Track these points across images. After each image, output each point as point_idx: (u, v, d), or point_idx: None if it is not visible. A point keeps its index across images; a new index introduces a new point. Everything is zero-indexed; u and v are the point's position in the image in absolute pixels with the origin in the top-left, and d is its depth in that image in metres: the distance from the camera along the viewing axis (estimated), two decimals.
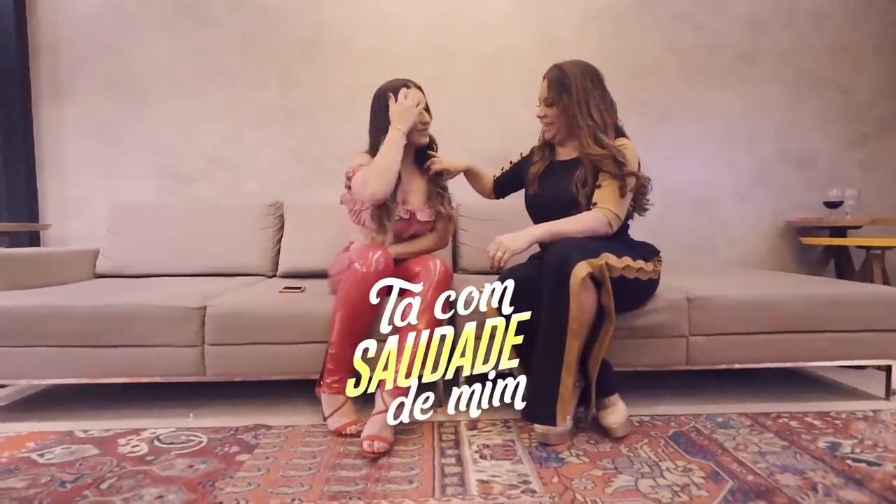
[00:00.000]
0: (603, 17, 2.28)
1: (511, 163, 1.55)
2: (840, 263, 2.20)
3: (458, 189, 2.15)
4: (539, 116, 1.38)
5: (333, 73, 2.23)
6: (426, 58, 2.24)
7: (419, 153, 1.52)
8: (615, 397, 1.24)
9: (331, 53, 2.22)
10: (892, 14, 2.34)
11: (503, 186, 1.57)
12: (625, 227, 1.38)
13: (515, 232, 1.25)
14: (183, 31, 2.17)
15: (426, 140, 1.47)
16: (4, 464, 1.08)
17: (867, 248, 1.97)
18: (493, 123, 2.27)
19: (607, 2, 2.27)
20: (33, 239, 2.12)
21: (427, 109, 1.47)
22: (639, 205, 1.36)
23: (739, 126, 2.33)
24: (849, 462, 1.08)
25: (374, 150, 1.43)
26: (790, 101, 2.34)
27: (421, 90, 1.45)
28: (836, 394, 1.55)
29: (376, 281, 1.25)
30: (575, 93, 1.28)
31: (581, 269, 1.11)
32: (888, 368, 1.49)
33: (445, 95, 2.28)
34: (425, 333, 1.24)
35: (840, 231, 2.17)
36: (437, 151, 1.53)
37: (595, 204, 1.26)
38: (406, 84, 1.42)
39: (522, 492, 0.96)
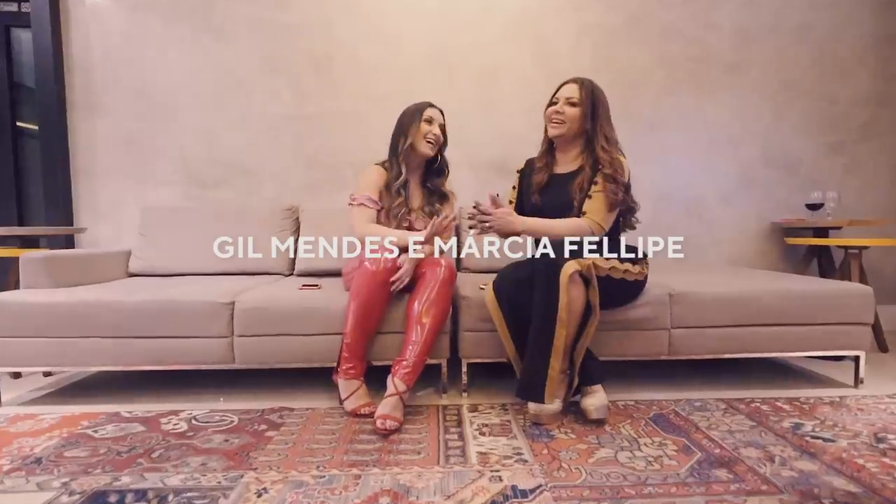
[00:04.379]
0: (596, 32, 2.42)
1: (514, 188, 1.66)
2: (822, 262, 2.32)
3: (461, 191, 2.31)
4: (557, 112, 1.48)
5: (343, 86, 2.38)
6: (429, 71, 2.39)
7: (427, 169, 1.67)
8: (598, 387, 1.37)
9: (341, 67, 2.37)
10: (872, 26, 2.46)
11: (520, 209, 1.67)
12: (617, 233, 1.53)
13: (512, 217, 1.41)
14: (205, 47, 2.33)
15: (431, 152, 1.61)
16: (66, 438, 1.24)
17: (846, 248, 2.09)
18: (491, 131, 2.41)
19: (600, 17, 2.41)
20: (68, 241, 2.29)
21: (443, 130, 1.64)
22: (627, 223, 1.52)
23: (725, 133, 2.46)
24: (807, 439, 1.22)
25: (389, 161, 1.63)
26: (774, 109, 2.47)
27: (441, 112, 1.64)
28: (808, 382, 1.68)
29: (385, 278, 1.41)
30: (603, 106, 1.46)
31: (570, 267, 1.26)
32: (856, 359, 1.62)
33: (446, 105, 2.39)
34: (431, 327, 1.40)
35: (822, 231, 2.30)
36: (447, 175, 1.70)
37: (584, 213, 1.41)
38: (431, 105, 1.61)
39: (516, 461, 1.11)
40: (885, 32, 2.46)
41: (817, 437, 1.23)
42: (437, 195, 1.67)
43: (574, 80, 1.49)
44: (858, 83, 2.47)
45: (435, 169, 1.68)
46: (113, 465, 1.10)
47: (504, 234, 1.42)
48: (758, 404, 1.46)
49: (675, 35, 2.43)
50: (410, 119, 1.59)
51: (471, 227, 1.43)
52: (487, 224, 1.39)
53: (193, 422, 1.35)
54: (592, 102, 1.45)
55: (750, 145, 2.47)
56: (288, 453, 1.15)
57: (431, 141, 1.59)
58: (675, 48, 2.43)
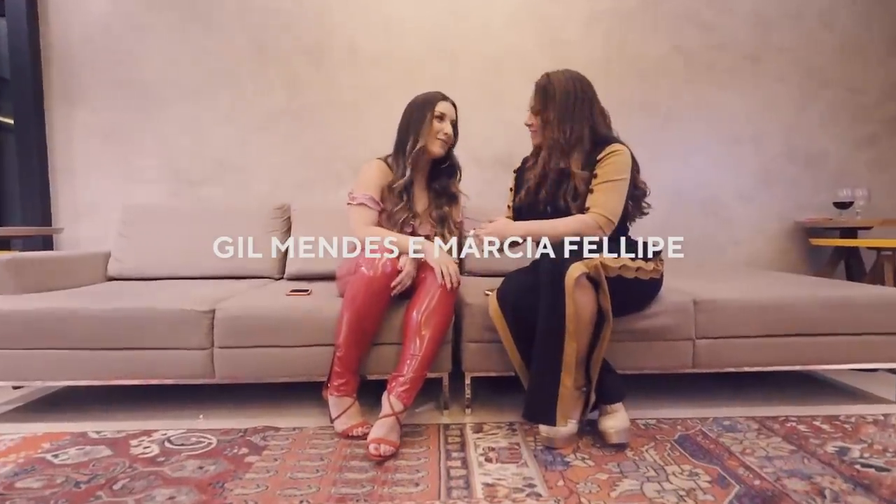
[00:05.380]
0: (608, 18, 2.27)
1: (511, 189, 1.53)
2: (850, 265, 2.17)
3: (465, 188, 2.16)
4: (526, 124, 1.40)
5: (339, 77, 2.24)
6: (431, 60, 2.25)
7: (434, 168, 1.52)
8: (618, 406, 1.23)
9: (337, 57, 2.23)
10: None
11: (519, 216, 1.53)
12: (625, 227, 1.39)
13: (505, 222, 1.35)
14: (192, 36, 2.20)
15: (441, 152, 1.45)
16: (21, 464, 1.11)
17: (878, 250, 1.95)
18: (496, 124, 2.27)
19: (612, 2, 2.27)
20: (46, 242, 2.16)
21: (455, 126, 1.48)
22: (637, 208, 1.37)
23: (746, 126, 2.32)
24: (857, 467, 1.07)
25: (394, 158, 1.45)
26: (797, 100, 2.32)
27: (454, 106, 1.48)
28: (845, 397, 1.54)
29: (384, 284, 1.27)
30: (559, 105, 1.30)
31: (575, 270, 1.11)
32: None
33: (449, 96, 2.29)
34: (431, 338, 1.26)
35: (850, 232, 2.15)
36: (460, 179, 1.55)
37: (588, 209, 1.27)
38: (443, 97, 1.45)
39: (527, 495, 0.97)
40: None
41: (868, 465, 1.08)
42: (445, 197, 1.51)
43: (537, 83, 1.36)
44: (888, 72, 2.31)
45: (444, 168, 1.51)
46: (68, 499, 0.96)
47: (505, 235, 1.34)
48: (794, 423, 1.31)
49: (692, 22, 2.28)
50: (420, 114, 1.42)
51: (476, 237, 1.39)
52: (485, 232, 1.34)
53: (166, 444, 1.21)
54: (551, 106, 1.30)
55: (772, 139, 2.32)
56: (268, 484, 1.02)
57: (442, 139, 1.44)
58: (692, 36, 2.28)
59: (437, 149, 1.43)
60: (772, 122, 2.32)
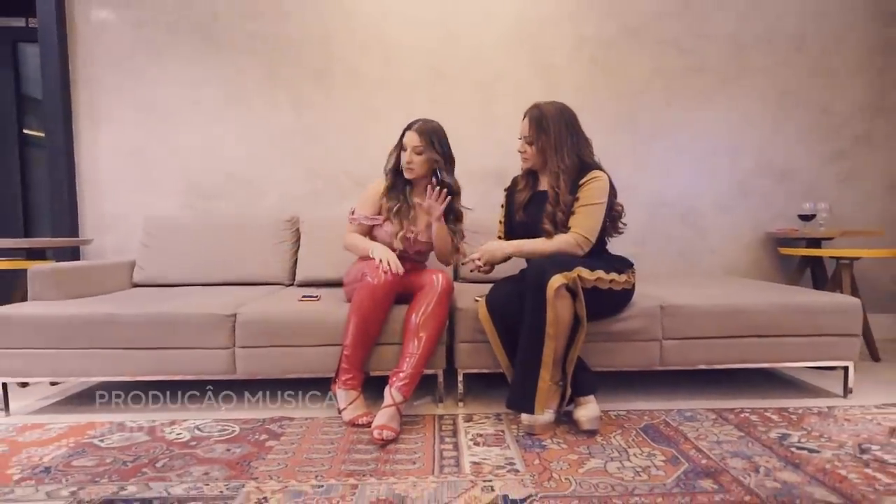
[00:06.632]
0: (593, 43, 2.45)
1: (502, 206, 1.71)
2: (816, 272, 2.35)
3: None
4: (519, 151, 1.57)
5: (343, 98, 2.42)
6: (428, 83, 2.43)
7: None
8: (590, 398, 1.41)
9: (340, 80, 2.42)
10: (869, 37, 2.49)
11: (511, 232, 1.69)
12: (602, 243, 1.57)
13: (498, 244, 1.53)
14: (207, 60, 2.38)
15: (412, 176, 1.60)
16: (73, 447, 1.28)
17: (837, 259, 2.12)
18: (489, 142, 2.45)
19: (597, 29, 2.45)
20: (73, 252, 2.33)
21: (443, 146, 1.60)
22: (614, 228, 1.55)
23: (722, 142, 2.50)
24: (793, 450, 1.25)
25: (388, 179, 1.64)
26: (771, 119, 2.50)
27: (420, 132, 1.57)
28: (799, 392, 1.71)
29: (386, 292, 1.45)
30: (552, 136, 1.46)
31: (556, 281, 1.29)
32: (845, 369, 1.65)
33: (445, 117, 2.43)
34: (428, 338, 1.44)
35: (815, 242, 2.33)
36: (460, 196, 1.68)
37: (569, 228, 1.45)
38: (408, 127, 1.61)
39: (507, 471, 1.15)
40: (879, 42, 2.49)
41: (803, 448, 1.26)
42: (451, 213, 1.66)
43: (526, 113, 1.52)
44: (854, 93, 2.50)
45: (440, 184, 1.63)
46: (119, 475, 1.14)
47: (495, 262, 1.52)
48: (747, 414, 1.49)
49: (672, 46, 2.47)
50: (398, 144, 1.61)
51: (463, 263, 1.56)
52: (476, 256, 1.51)
53: (196, 431, 1.39)
54: (543, 136, 1.47)
55: (747, 154, 2.50)
56: (288, 463, 1.19)
57: (409, 168, 1.58)
58: (672, 59, 2.47)
59: (408, 176, 1.61)
60: (746, 138, 2.50)
